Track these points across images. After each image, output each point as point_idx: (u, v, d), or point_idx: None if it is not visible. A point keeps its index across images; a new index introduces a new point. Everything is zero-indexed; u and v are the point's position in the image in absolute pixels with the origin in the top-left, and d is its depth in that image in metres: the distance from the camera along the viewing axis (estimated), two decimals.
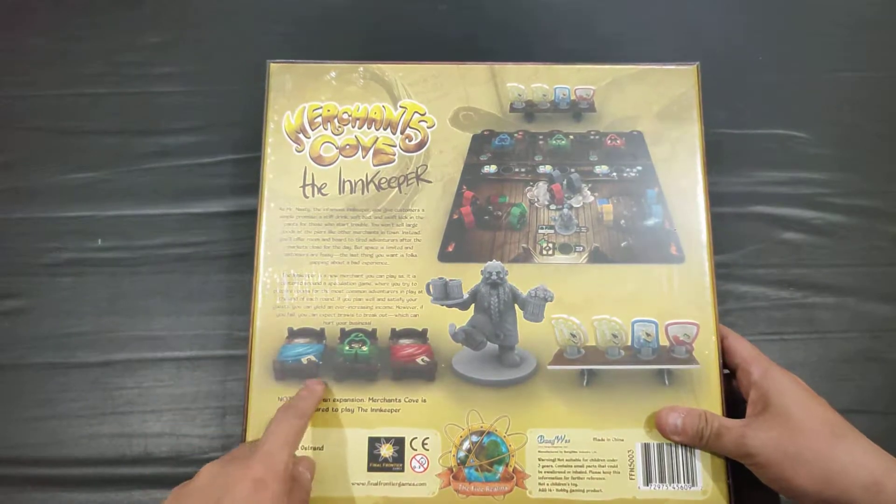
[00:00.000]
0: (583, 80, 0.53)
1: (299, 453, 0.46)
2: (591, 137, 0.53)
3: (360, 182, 0.51)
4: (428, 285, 0.49)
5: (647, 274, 0.49)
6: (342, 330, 0.49)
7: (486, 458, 0.47)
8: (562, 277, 0.49)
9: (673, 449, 0.46)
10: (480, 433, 0.47)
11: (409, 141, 0.52)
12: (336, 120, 0.52)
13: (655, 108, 0.52)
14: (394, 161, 0.52)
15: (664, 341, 0.48)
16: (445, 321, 0.49)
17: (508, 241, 0.50)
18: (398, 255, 0.50)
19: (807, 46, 0.62)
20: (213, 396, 0.53)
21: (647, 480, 0.46)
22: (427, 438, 0.47)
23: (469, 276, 0.49)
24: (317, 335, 0.49)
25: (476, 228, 0.51)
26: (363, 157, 0.52)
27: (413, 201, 0.51)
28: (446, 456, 0.47)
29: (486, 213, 0.51)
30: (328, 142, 0.52)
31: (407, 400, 0.48)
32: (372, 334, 0.49)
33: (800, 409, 0.42)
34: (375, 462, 0.47)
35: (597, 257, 0.50)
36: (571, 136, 0.53)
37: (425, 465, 0.47)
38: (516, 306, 0.49)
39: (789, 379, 0.44)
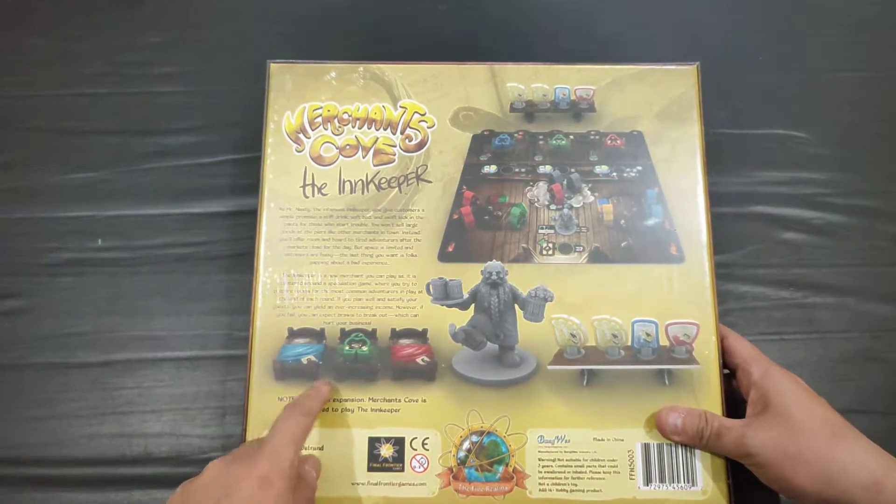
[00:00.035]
0: (583, 80, 0.53)
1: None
2: (591, 137, 0.53)
3: (360, 182, 0.51)
4: (428, 285, 0.49)
5: (647, 274, 0.49)
6: (342, 330, 0.49)
7: (486, 458, 0.47)
8: (562, 277, 0.49)
9: (673, 449, 0.46)
10: (480, 433, 0.47)
11: (409, 141, 0.52)
12: (336, 120, 0.52)
13: (655, 108, 0.52)
14: (394, 161, 0.52)
15: (664, 341, 0.48)
16: (445, 321, 0.49)
17: (508, 241, 0.50)
18: (398, 255, 0.50)
19: (807, 46, 0.62)
20: (213, 396, 0.53)
21: (647, 480, 0.46)
22: (427, 438, 0.47)
23: (469, 276, 0.49)
24: (317, 335, 0.49)
25: (476, 228, 0.51)
26: (363, 157, 0.52)
27: (413, 201, 0.51)
28: (446, 456, 0.47)
29: (486, 213, 0.51)
30: (328, 142, 0.52)
31: (407, 400, 0.48)
32: (372, 334, 0.49)
33: (800, 409, 0.42)
34: (375, 462, 0.47)
35: (597, 257, 0.50)
36: (571, 136, 0.53)
37: (425, 465, 0.47)
38: (516, 306, 0.49)
39: (789, 379, 0.44)
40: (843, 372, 0.53)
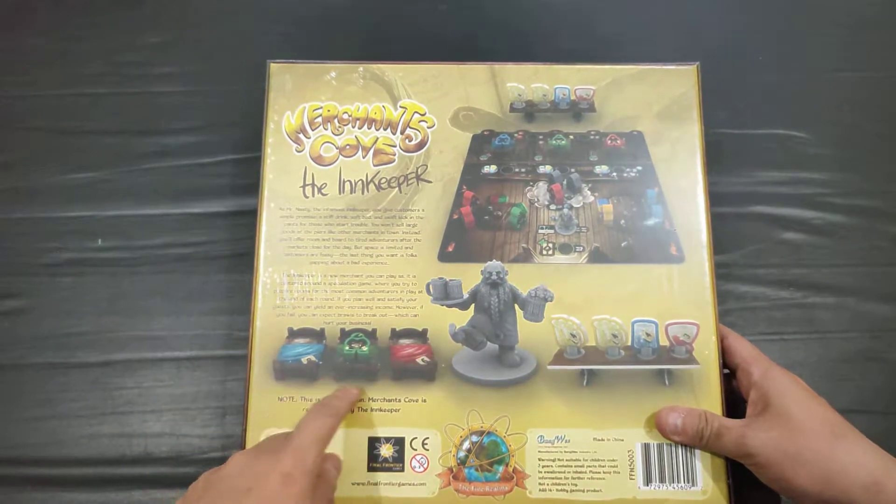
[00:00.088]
0: (583, 80, 0.53)
1: None
2: (591, 137, 0.53)
3: (360, 182, 0.51)
4: (428, 285, 0.49)
5: (647, 274, 0.49)
6: (342, 330, 0.49)
7: (486, 458, 0.47)
8: (562, 277, 0.49)
9: (673, 449, 0.46)
10: (480, 433, 0.47)
11: (409, 141, 0.52)
12: (336, 120, 0.52)
13: (655, 108, 0.52)
14: (394, 161, 0.52)
15: (664, 341, 0.48)
16: (445, 321, 0.49)
17: (508, 241, 0.50)
18: (398, 255, 0.50)
19: (807, 46, 0.62)
20: (213, 396, 0.53)
21: (647, 480, 0.46)
22: (427, 438, 0.47)
23: (469, 276, 0.49)
24: (317, 335, 0.49)
25: (476, 228, 0.51)
26: (363, 157, 0.52)
27: (413, 201, 0.51)
28: (446, 456, 0.47)
29: (486, 213, 0.51)
30: (328, 142, 0.52)
31: (407, 400, 0.48)
32: (372, 334, 0.49)
33: (800, 410, 0.42)
34: (375, 462, 0.47)
35: (597, 257, 0.50)
36: (571, 136, 0.53)
37: (425, 465, 0.47)
38: (516, 306, 0.49)
39: (789, 379, 0.44)
40: (843, 372, 0.53)
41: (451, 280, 0.49)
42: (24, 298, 0.55)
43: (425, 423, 0.47)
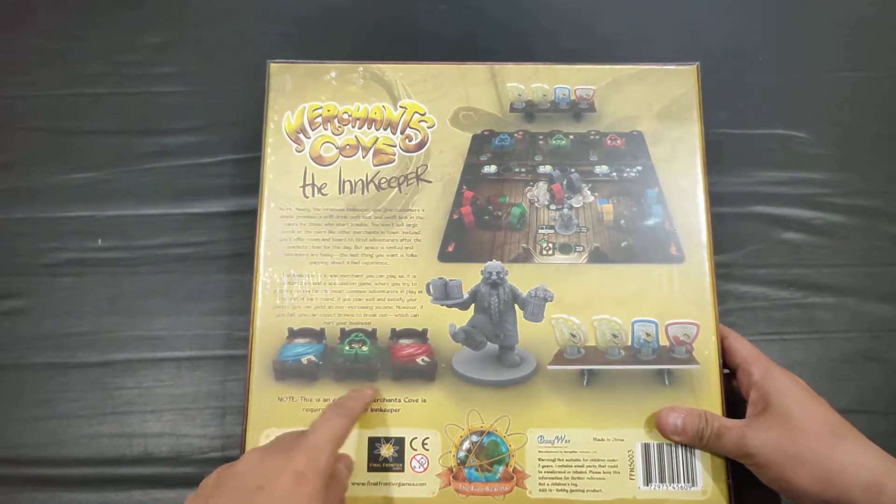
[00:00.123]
0: (583, 80, 0.53)
1: None
2: (591, 137, 0.53)
3: (360, 182, 0.51)
4: (428, 285, 0.49)
5: (647, 274, 0.49)
6: (342, 330, 0.49)
7: (486, 458, 0.47)
8: (562, 277, 0.49)
9: (673, 449, 0.46)
10: (480, 433, 0.47)
11: (409, 141, 0.52)
12: (336, 120, 0.52)
13: (655, 108, 0.52)
14: (394, 161, 0.52)
15: (664, 341, 0.48)
16: (445, 321, 0.49)
17: (508, 241, 0.50)
18: (398, 255, 0.50)
19: (807, 46, 0.62)
20: (213, 396, 0.53)
21: (647, 480, 0.46)
22: (427, 438, 0.47)
23: (469, 276, 0.49)
24: (317, 335, 0.49)
25: (476, 228, 0.51)
26: (363, 157, 0.52)
27: (413, 201, 0.51)
28: (446, 456, 0.47)
29: (486, 213, 0.51)
30: (328, 142, 0.52)
31: (407, 400, 0.48)
32: (372, 334, 0.49)
33: (800, 410, 0.42)
34: (375, 462, 0.47)
35: (597, 257, 0.50)
36: (571, 136, 0.53)
37: (425, 465, 0.47)
38: (516, 306, 0.49)
39: (790, 379, 0.44)
40: (843, 372, 0.53)
41: (451, 280, 0.49)
42: (24, 298, 0.55)
43: (425, 423, 0.47)
